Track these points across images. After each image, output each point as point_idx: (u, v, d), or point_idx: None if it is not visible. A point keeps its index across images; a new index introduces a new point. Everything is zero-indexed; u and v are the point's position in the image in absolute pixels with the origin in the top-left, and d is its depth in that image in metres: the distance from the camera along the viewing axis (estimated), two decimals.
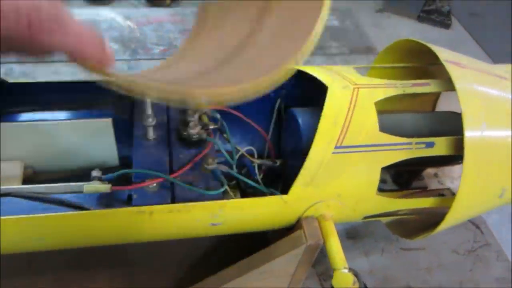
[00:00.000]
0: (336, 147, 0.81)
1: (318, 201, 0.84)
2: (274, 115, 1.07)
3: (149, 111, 0.84)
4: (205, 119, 0.91)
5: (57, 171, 1.03)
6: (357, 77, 0.90)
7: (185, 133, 0.87)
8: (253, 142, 1.11)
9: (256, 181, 0.97)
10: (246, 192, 0.97)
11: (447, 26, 3.91)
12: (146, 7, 3.60)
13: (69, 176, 1.04)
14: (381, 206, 0.90)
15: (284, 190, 1.03)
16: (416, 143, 0.85)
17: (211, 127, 0.88)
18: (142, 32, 1.65)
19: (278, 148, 1.09)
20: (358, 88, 0.86)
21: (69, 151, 0.99)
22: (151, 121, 0.85)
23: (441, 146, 0.86)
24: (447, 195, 1.14)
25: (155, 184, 0.80)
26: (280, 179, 1.07)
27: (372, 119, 0.83)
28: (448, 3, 4.05)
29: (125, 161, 1.05)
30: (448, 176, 1.22)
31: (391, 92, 0.87)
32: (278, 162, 1.03)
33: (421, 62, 1.09)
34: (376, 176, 0.84)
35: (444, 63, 0.86)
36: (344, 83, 0.86)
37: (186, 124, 0.88)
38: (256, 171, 0.98)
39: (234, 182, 0.96)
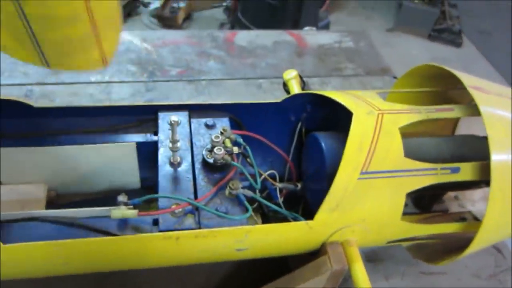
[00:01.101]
0: (361, 173, 0.81)
1: (343, 226, 0.84)
2: (295, 138, 1.08)
3: (176, 136, 0.84)
4: (228, 143, 0.91)
5: (79, 194, 1.04)
6: (381, 102, 0.90)
7: (209, 158, 0.88)
8: (273, 164, 1.11)
9: (278, 205, 0.97)
10: (267, 215, 0.97)
11: (458, 44, 3.92)
12: (159, 28, 3.66)
13: (92, 198, 1.05)
14: (406, 231, 0.89)
15: (305, 213, 1.04)
16: (441, 169, 0.85)
17: (235, 151, 0.89)
18: (159, 54, 1.67)
19: (297, 170, 1.09)
20: (382, 113, 0.86)
21: (92, 174, 1.00)
22: (176, 146, 0.86)
23: (466, 171, 0.85)
24: (469, 219, 1.13)
25: (180, 209, 0.80)
26: (300, 201, 1.07)
27: (397, 144, 0.83)
28: (458, 22, 4.08)
29: (146, 183, 1.06)
30: (469, 199, 1.20)
31: (415, 117, 0.87)
32: (299, 186, 1.03)
33: (440, 86, 1.09)
34: (401, 202, 0.84)
35: (469, 89, 0.86)
36: (368, 109, 0.87)
37: (210, 149, 0.88)
38: (278, 194, 0.99)
39: (255, 204, 0.96)
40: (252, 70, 1.67)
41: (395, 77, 1.74)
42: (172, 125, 0.82)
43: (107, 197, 1.04)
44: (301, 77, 1.18)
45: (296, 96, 1.05)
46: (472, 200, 1.21)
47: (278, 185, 0.96)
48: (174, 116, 0.96)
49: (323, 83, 1.66)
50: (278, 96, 1.59)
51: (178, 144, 0.86)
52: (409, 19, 3.95)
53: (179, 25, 3.69)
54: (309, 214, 1.02)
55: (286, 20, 2.96)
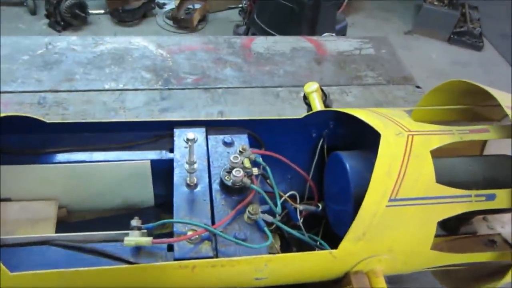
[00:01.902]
0: (390, 200, 0.75)
1: (368, 256, 0.79)
2: (316, 156, 1.03)
3: (193, 157, 0.80)
4: (247, 163, 0.87)
5: (91, 210, 1.00)
6: (410, 122, 0.85)
7: (228, 180, 0.83)
8: (292, 181, 1.07)
9: (298, 226, 0.92)
10: (286, 238, 0.93)
11: (479, 48, 3.82)
12: (174, 29, 3.64)
13: (103, 217, 1.01)
14: (435, 261, 0.84)
15: (326, 234, 0.99)
16: (476, 196, 0.79)
17: (255, 173, 0.84)
18: (174, 60, 1.63)
19: (318, 188, 1.04)
20: (412, 135, 0.81)
21: (105, 191, 0.96)
22: (193, 167, 0.81)
23: (502, 198, 0.80)
24: (498, 242, 1.07)
25: (197, 236, 0.75)
26: (320, 222, 1.02)
27: (428, 169, 0.78)
28: (479, 25, 3.97)
29: (160, 199, 1.02)
30: (499, 220, 1.14)
31: (448, 139, 0.82)
32: (320, 207, 0.98)
33: (469, 101, 1.03)
34: (431, 231, 0.79)
35: (506, 110, 0.80)
36: (397, 129, 0.81)
37: (229, 170, 0.84)
38: (298, 215, 0.94)
39: (274, 225, 0.92)
40: (270, 78, 1.62)
41: (417, 87, 1.68)
42: (190, 146, 0.78)
43: (120, 216, 1.01)
44: (322, 90, 1.13)
45: (319, 112, 1.00)
46: (501, 222, 1.15)
47: (299, 207, 0.92)
48: (191, 133, 0.91)
49: (343, 92, 1.60)
50: (296, 106, 1.55)
51: (195, 166, 0.81)
52: (428, 22, 3.86)
53: (194, 27, 3.66)
54: (330, 236, 0.98)
55: (303, 23, 2.91)
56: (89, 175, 0.92)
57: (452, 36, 3.84)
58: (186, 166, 0.81)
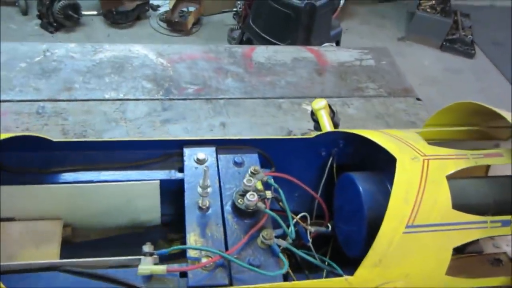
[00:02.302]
0: (407, 226, 0.75)
1: (384, 282, 0.78)
2: (325, 174, 1.02)
3: (207, 182, 0.78)
4: (260, 185, 0.85)
5: (96, 229, 0.98)
6: (424, 145, 0.84)
7: (241, 203, 0.82)
8: (300, 198, 1.05)
9: (308, 247, 0.91)
10: (298, 260, 0.92)
11: (470, 55, 3.86)
12: (167, 32, 3.60)
13: (110, 234, 0.99)
14: (450, 285, 0.83)
15: (333, 252, 0.99)
16: (492, 222, 0.79)
17: (268, 196, 0.83)
18: (175, 70, 1.61)
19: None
20: (428, 159, 0.80)
21: (112, 210, 0.94)
22: (207, 191, 0.80)
23: None
24: (504, 261, 1.07)
25: (211, 263, 0.74)
26: (328, 241, 1.01)
27: (444, 195, 0.77)
28: (471, 32, 4.01)
29: (166, 218, 1.00)
30: (504, 239, 1.14)
31: (463, 164, 0.82)
32: (330, 227, 0.97)
33: (475, 120, 1.04)
34: (447, 257, 0.78)
35: None
36: (412, 154, 0.81)
37: (242, 193, 0.82)
38: (309, 237, 0.93)
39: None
40: (271, 89, 1.61)
41: (418, 99, 1.68)
42: (205, 171, 0.76)
43: (126, 235, 0.99)
44: (330, 107, 1.12)
45: (331, 132, 0.99)
46: (507, 240, 1.15)
47: (311, 228, 0.90)
48: (201, 154, 0.90)
49: (344, 104, 1.59)
50: (298, 118, 1.54)
51: (209, 190, 0.80)
52: (421, 29, 3.88)
53: (188, 30, 3.63)
54: (337, 253, 0.98)
55: (299, 28, 2.90)
56: (97, 194, 0.90)
57: (444, 43, 3.88)
58: (200, 190, 0.79)
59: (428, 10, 3.90)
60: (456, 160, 0.82)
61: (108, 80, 1.54)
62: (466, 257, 1.08)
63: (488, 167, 1.13)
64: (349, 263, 0.93)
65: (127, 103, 1.47)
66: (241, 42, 3.28)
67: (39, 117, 1.37)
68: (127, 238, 0.97)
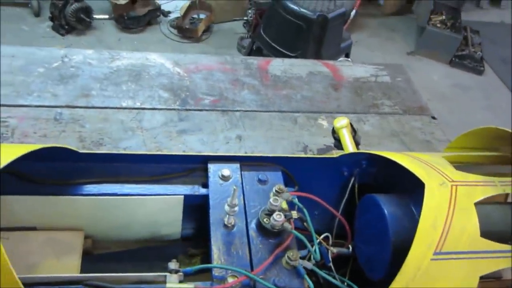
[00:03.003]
0: (435, 253, 0.74)
1: None
2: (347, 194, 1.01)
3: (235, 200, 0.78)
4: (285, 204, 0.85)
5: (116, 242, 0.98)
6: (452, 171, 0.84)
7: (266, 223, 0.81)
8: (319, 217, 1.05)
9: (327, 267, 0.91)
10: (315, 276, 0.91)
11: (479, 72, 3.87)
12: (178, 38, 3.61)
13: (129, 247, 0.99)
14: None
15: (352, 273, 0.98)
16: None
17: (294, 217, 0.82)
18: (191, 80, 1.61)
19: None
20: (456, 185, 0.80)
21: (133, 224, 0.94)
22: (234, 210, 0.79)
23: None
24: None
25: (238, 283, 0.73)
26: (348, 261, 1.00)
27: (473, 222, 0.77)
28: (480, 49, 4.02)
29: (185, 232, 1.00)
30: None
31: (491, 191, 0.81)
32: (351, 248, 0.97)
33: (494, 144, 1.04)
34: (474, 285, 0.78)
35: None
36: (440, 179, 0.81)
37: (268, 212, 0.82)
38: (330, 257, 0.92)
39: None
40: (287, 103, 1.61)
41: (433, 117, 1.68)
42: (235, 190, 0.76)
43: (146, 248, 0.98)
44: (352, 125, 1.12)
45: (355, 153, 0.98)
46: None
47: (333, 250, 0.90)
48: (226, 170, 0.90)
49: (360, 120, 1.59)
50: (314, 134, 1.54)
51: (236, 208, 0.80)
52: (431, 44, 3.90)
53: (198, 37, 3.65)
54: (356, 275, 0.97)
55: (310, 40, 2.91)
56: (119, 207, 0.89)
57: (453, 59, 3.89)
58: (227, 208, 0.79)
59: (438, 25, 3.92)
60: (484, 187, 0.81)
61: (125, 88, 1.54)
62: (485, 282, 1.07)
63: (507, 193, 1.13)
64: (368, 284, 0.92)
65: (143, 112, 1.47)
66: (251, 51, 3.29)
67: (56, 123, 1.37)
68: (146, 251, 0.97)
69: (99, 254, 0.95)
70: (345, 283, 0.88)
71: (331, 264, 0.91)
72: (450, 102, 3.48)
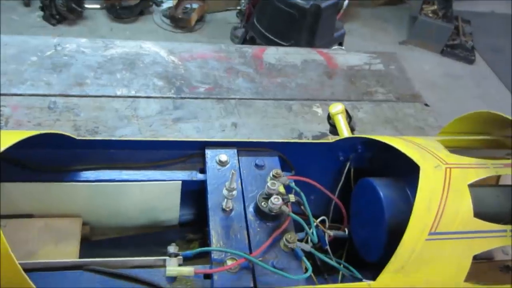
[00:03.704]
0: (430, 234, 0.76)
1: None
2: (343, 179, 1.03)
3: (234, 184, 0.79)
4: (282, 188, 0.86)
5: (114, 228, 0.98)
6: (447, 154, 0.85)
7: (264, 206, 0.82)
8: (315, 201, 1.06)
9: (326, 251, 0.92)
10: (318, 264, 0.93)
11: (470, 61, 3.89)
12: (170, 28, 3.59)
13: (127, 233, 0.99)
14: None
15: (348, 256, 0.99)
16: (511, 231, 0.80)
17: (292, 200, 0.83)
18: (186, 68, 1.61)
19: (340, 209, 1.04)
20: (450, 168, 0.81)
21: (131, 210, 0.94)
22: (232, 194, 0.80)
23: None
24: None
25: (237, 265, 0.74)
26: (343, 244, 1.02)
27: (466, 203, 0.79)
28: (471, 38, 4.05)
29: (183, 218, 1.00)
30: None
31: (484, 173, 0.83)
32: (347, 232, 0.98)
33: (487, 129, 1.05)
34: (467, 264, 0.79)
35: None
36: (435, 162, 0.82)
37: (266, 196, 0.83)
38: (327, 240, 0.93)
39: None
40: (282, 91, 1.62)
41: (426, 105, 1.69)
42: (233, 174, 0.77)
43: (144, 235, 0.99)
44: (347, 111, 1.13)
45: (351, 138, 1.00)
46: None
47: (330, 232, 0.91)
48: (224, 155, 0.91)
49: (354, 108, 1.60)
50: (309, 121, 1.55)
51: (234, 192, 0.80)
52: (423, 33, 3.91)
53: (191, 27, 3.62)
54: (351, 258, 0.99)
55: (303, 29, 2.91)
56: (118, 194, 0.90)
57: (445, 48, 3.91)
58: (225, 192, 0.80)
59: (430, 15, 3.93)
60: (477, 169, 0.83)
61: (120, 77, 1.53)
62: (476, 263, 1.10)
63: (499, 176, 1.15)
64: (362, 266, 0.94)
65: (138, 101, 1.47)
66: (244, 40, 3.28)
67: (51, 112, 1.37)
68: (144, 237, 0.98)
69: (97, 240, 0.95)
70: (341, 265, 0.90)
71: (328, 247, 0.93)
72: (441, 91, 3.50)
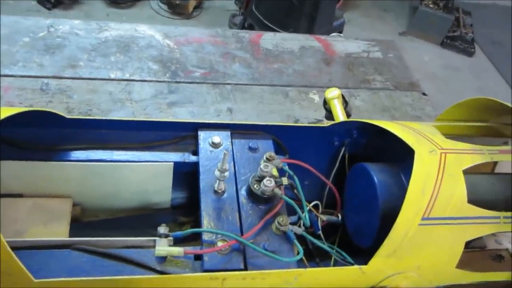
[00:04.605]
0: (423, 219, 0.75)
1: (396, 272, 0.79)
2: (337, 164, 1.02)
3: (226, 165, 0.78)
4: (275, 171, 0.85)
5: (105, 210, 0.97)
6: (442, 139, 0.84)
7: (257, 189, 0.81)
8: (309, 187, 1.05)
9: (318, 236, 0.91)
10: (310, 248, 0.92)
11: (470, 54, 3.87)
12: (168, 14, 3.55)
13: (118, 215, 0.98)
14: (458, 279, 0.84)
15: (341, 242, 0.99)
16: (504, 217, 0.80)
17: (285, 183, 0.82)
18: (182, 52, 1.59)
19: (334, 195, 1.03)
20: (445, 153, 0.80)
21: (122, 191, 0.93)
22: (224, 175, 0.79)
23: None
24: (506, 257, 1.09)
25: (227, 247, 0.74)
26: (336, 229, 1.01)
27: (460, 189, 0.78)
28: (471, 30, 4.02)
29: (175, 201, 0.99)
30: (505, 235, 1.16)
31: (479, 159, 0.82)
32: (340, 217, 0.97)
33: (484, 116, 1.04)
34: (459, 250, 0.79)
35: None
36: (430, 147, 0.81)
37: (258, 178, 0.82)
38: (319, 225, 0.93)
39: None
40: (279, 77, 1.60)
41: (424, 94, 1.68)
42: (225, 154, 0.75)
43: (135, 217, 0.98)
44: (343, 97, 1.12)
45: (345, 122, 0.98)
46: (508, 237, 1.17)
47: (323, 217, 0.90)
48: (217, 137, 0.90)
49: (352, 95, 1.59)
50: (305, 107, 1.53)
51: (226, 174, 0.79)
52: (423, 24, 3.88)
53: (189, 13, 3.59)
54: (344, 243, 0.98)
55: (302, 17, 2.88)
56: (109, 174, 0.88)
57: (445, 40, 3.88)
58: (217, 173, 0.79)
59: (431, 5, 3.89)
60: (473, 155, 0.82)
61: (114, 59, 1.51)
62: (469, 252, 1.09)
63: (495, 164, 1.14)
64: (354, 253, 0.93)
65: (132, 84, 1.45)
66: (242, 28, 3.24)
67: (43, 93, 1.35)
68: (135, 220, 0.96)
69: (88, 221, 0.94)
70: (334, 250, 0.89)
71: (320, 232, 0.92)
72: (441, 83, 3.49)
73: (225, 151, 0.76)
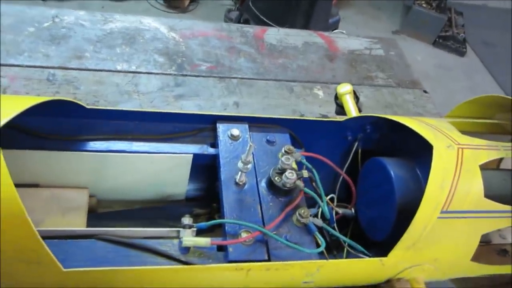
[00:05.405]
0: (442, 212, 0.77)
1: (414, 264, 0.80)
2: (350, 159, 1.03)
3: (249, 157, 0.78)
4: (294, 164, 0.86)
5: (120, 201, 0.97)
6: (458, 135, 0.86)
7: (278, 181, 0.82)
8: (322, 180, 1.06)
9: (333, 228, 0.93)
10: (327, 240, 0.93)
11: (462, 53, 3.93)
12: (163, 8, 3.53)
13: (132, 207, 0.98)
14: (472, 271, 0.87)
15: (353, 235, 1.00)
16: None
17: (305, 175, 0.83)
18: (187, 46, 1.58)
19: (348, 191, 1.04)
20: (462, 148, 0.82)
21: (139, 182, 0.93)
22: (247, 167, 0.79)
23: None
24: (510, 251, 1.11)
25: (251, 238, 0.74)
26: (348, 223, 1.02)
27: (477, 183, 0.80)
28: (463, 31, 4.08)
29: (190, 193, 1.00)
30: (509, 230, 1.19)
31: (494, 155, 0.84)
32: (353, 210, 0.99)
33: (491, 113, 1.07)
34: (475, 243, 0.81)
35: None
36: (447, 142, 0.83)
37: (279, 171, 0.83)
38: (334, 218, 0.94)
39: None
40: (283, 72, 1.61)
41: (425, 91, 1.71)
42: (250, 146, 0.76)
43: (150, 208, 0.98)
44: (355, 92, 1.13)
45: (361, 117, 1.00)
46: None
47: (338, 210, 0.92)
48: (236, 130, 0.90)
49: (355, 92, 1.60)
50: (310, 102, 1.54)
51: (249, 166, 0.80)
52: (416, 23, 3.93)
53: (184, 7, 3.57)
54: (355, 236, 1.00)
55: (299, 13, 2.89)
56: (128, 165, 0.88)
57: (437, 39, 3.94)
58: (241, 165, 0.79)
59: (424, 5, 3.94)
60: (489, 151, 0.84)
61: (120, 51, 1.50)
62: None
63: (500, 160, 1.17)
64: (365, 246, 0.95)
65: (139, 76, 1.44)
66: (238, 23, 3.24)
67: (49, 84, 1.33)
68: (151, 211, 0.97)
69: (104, 212, 0.94)
70: (346, 243, 0.90)
71: (335, 224, 0.93)
72: (433, 82, 3.54)
73: (250, 143, 0.76)
